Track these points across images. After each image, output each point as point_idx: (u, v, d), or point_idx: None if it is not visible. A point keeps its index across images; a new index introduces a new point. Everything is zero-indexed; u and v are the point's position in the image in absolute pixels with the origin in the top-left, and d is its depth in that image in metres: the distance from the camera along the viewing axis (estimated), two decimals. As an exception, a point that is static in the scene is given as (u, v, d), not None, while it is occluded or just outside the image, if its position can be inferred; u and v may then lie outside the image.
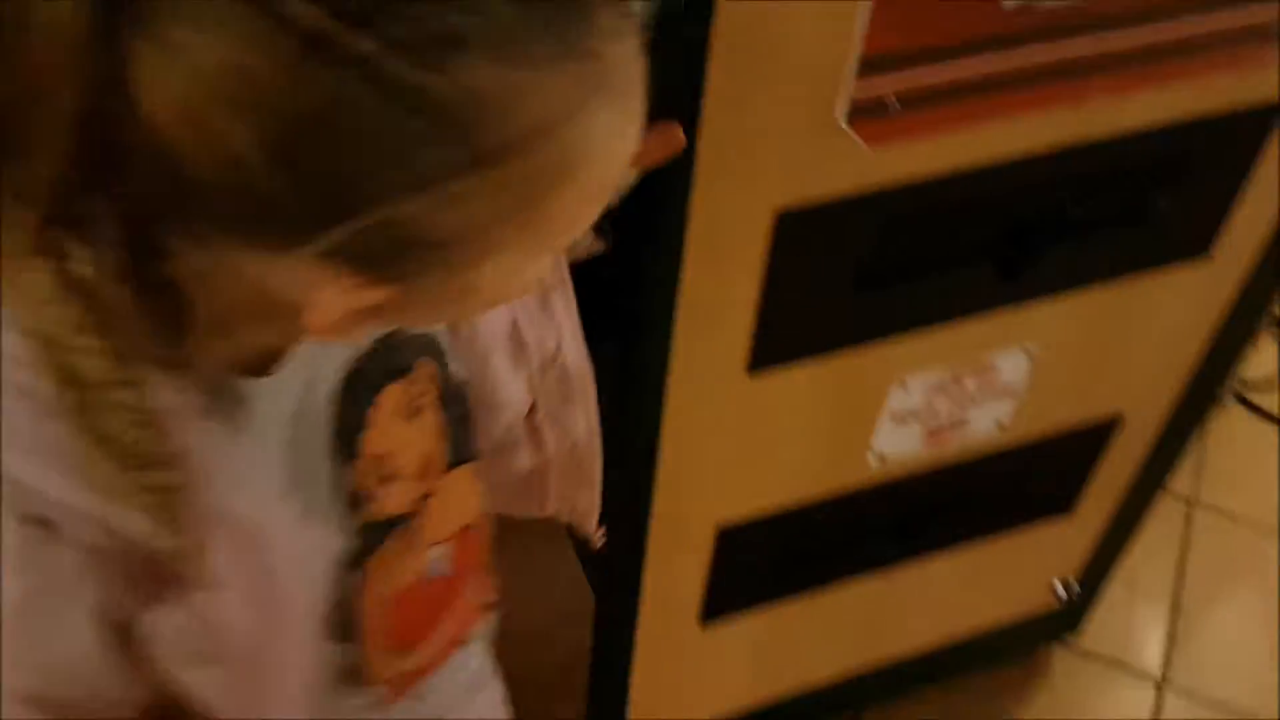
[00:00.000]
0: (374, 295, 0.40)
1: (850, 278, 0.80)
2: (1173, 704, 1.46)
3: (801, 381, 0.87)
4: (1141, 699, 1.46)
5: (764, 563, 1.05)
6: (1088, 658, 1.49)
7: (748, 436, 0.89)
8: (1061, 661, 1.48)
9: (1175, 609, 1.57)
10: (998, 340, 0.93)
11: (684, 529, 0.96)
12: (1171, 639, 1.53)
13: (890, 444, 0.98)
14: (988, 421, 1.01)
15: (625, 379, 0.81)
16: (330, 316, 0.41)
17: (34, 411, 0.40)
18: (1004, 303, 0.90)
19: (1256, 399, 1.86)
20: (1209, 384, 1.10)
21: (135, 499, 0.42)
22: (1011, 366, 0.96)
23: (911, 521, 1.10)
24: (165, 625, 0.48)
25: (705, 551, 0.99)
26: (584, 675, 1.16)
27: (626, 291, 0.77)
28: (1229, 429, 1.84)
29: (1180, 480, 1.74)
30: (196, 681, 0.52)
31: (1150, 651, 1.51)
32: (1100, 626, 1.48)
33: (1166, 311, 0.99)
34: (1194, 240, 0.93)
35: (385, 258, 0.38)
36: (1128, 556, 1.57)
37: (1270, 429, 1.83)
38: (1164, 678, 1.49)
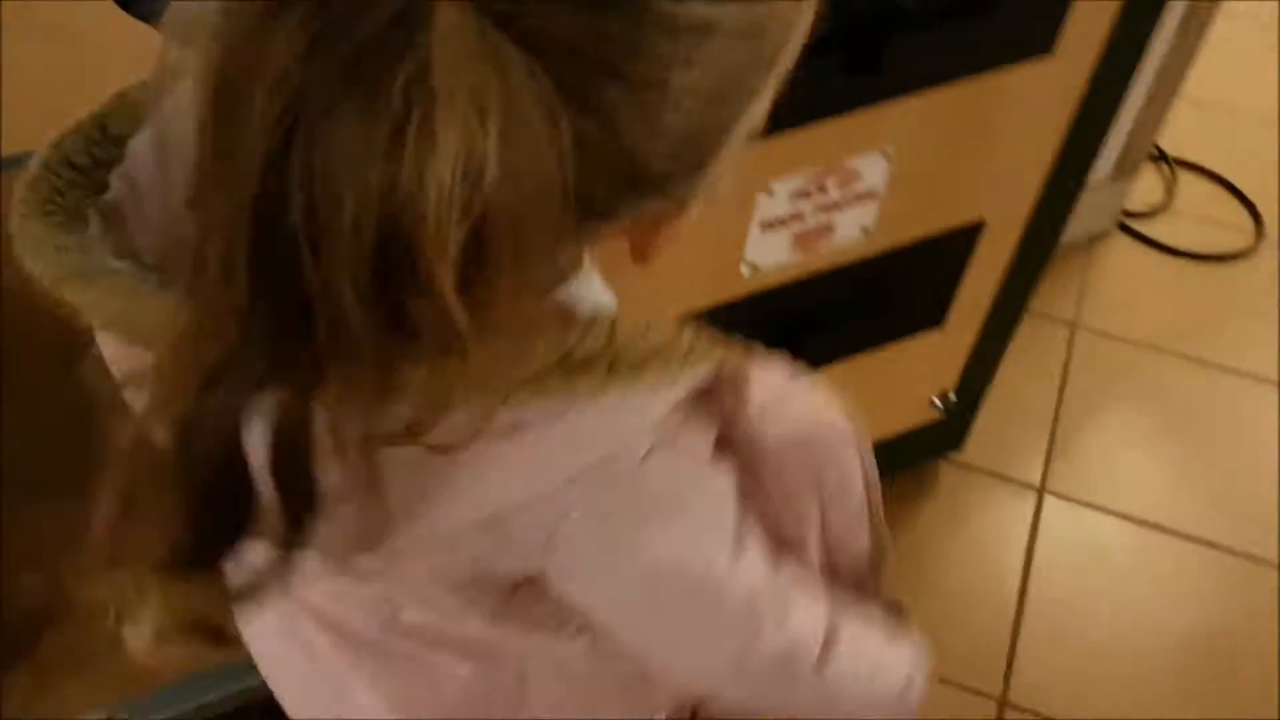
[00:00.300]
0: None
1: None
2: (1052, 508, 1.56)
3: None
4: (1023, 507, 1.56)
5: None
6: (970, 471, 1.58)
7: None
8: (946, 476, 1.57)
9: (1055, 424, 1.66)
10: (856, 143, 0.96)
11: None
12: (1050, 451, 1.63)
13: (761, 253, 1.02)
14: (854, 228, 1.05)
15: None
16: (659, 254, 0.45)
17: None
18: (858, 103, 0.93)
19: (1140, 227, 1.94)
20: (1066, 186, 1.15)
21: None
22: (871, 169, 1.00)
23: (787, 334, 1.15)
24: None
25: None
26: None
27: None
28: (1113, 258, 1.93)
29: (1064, 306, 1.83)
30: None
31: (1031, 464, 1.61)
32: (983, 443, 1.57)
33: (1016, 111, 1.03)
34: (1036, 38, 0.97)
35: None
36: (1010, 377, 1.66)
37: (1153, 256, 1.92)
38: (1043, 486, 1.59)
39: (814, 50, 0.86)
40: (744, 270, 1.02)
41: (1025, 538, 1.53)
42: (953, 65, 0.94)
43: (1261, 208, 2.00)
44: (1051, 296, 1.83)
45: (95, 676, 1.14)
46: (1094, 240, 1.94)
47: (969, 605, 1.46)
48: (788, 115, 0.90)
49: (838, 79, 0.89)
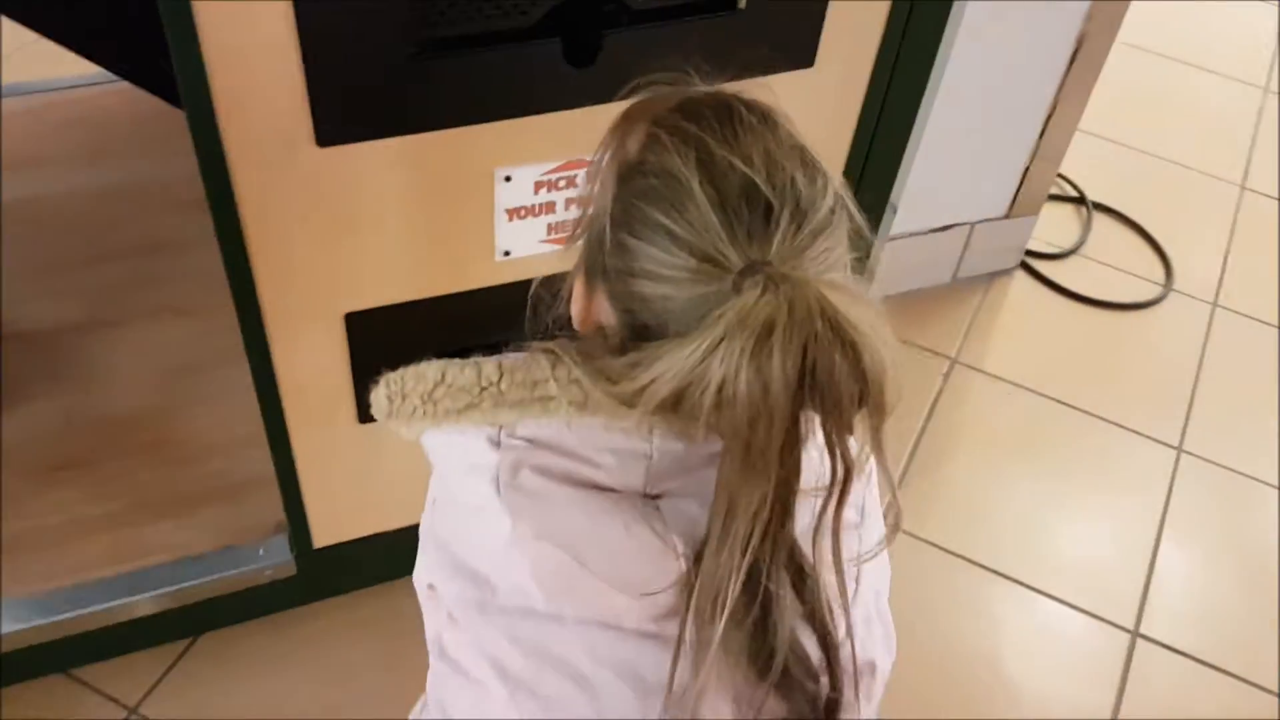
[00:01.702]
0: None
1: (405, 44, 0.83)
2: (904, 546, 1.52)
3: (387, 160, 0.90)
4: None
5: (413, 359, 1.09)
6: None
7: (340, 214, 0.92)
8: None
9: (911, 461, 1.63)
10: (598, 137, 0.96)
11: (305, 315, 0.99)
12: (896, 487, 1.60)
13: (513, 242, 1.01)
14: (619, 227, 1.04)
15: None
16: None
17: None
18: (594, 99, 0.92)
19: (1047, 267, 1.91)
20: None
21: None
22: (624, 167, 0.99)
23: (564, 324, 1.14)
24: None
25: (338, 340, 1.03)
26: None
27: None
28: (1009, 296, 1.90)
29: (948, 341, 1.80)
30: None
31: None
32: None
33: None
34: (790, 46, 0.96)
35: None
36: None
37: (1049, 297, 1.89)
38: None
39: (532, 35, 0.87)
40: (499, 258, 1.02)
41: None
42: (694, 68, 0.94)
43: (1175, 261, 1.96)
44: (936, 331, 1.81)
45: None
46: (995, 277, 1.92)
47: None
48: (515, 103, 0.91)
49: (558, 69, 0.88)
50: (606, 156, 0.63)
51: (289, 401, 1.07)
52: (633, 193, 0.58)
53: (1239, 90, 2.40)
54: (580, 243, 0.65)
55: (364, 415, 1.11)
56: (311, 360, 1.04)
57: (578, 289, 0.66)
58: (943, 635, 1.42)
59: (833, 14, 0.94)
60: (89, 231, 1.52)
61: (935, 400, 1.71)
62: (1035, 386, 1.75)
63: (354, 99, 0.85)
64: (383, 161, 0.90)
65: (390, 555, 1.30)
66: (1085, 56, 1.62)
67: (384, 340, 1.05)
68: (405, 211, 0.95)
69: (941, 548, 1.52)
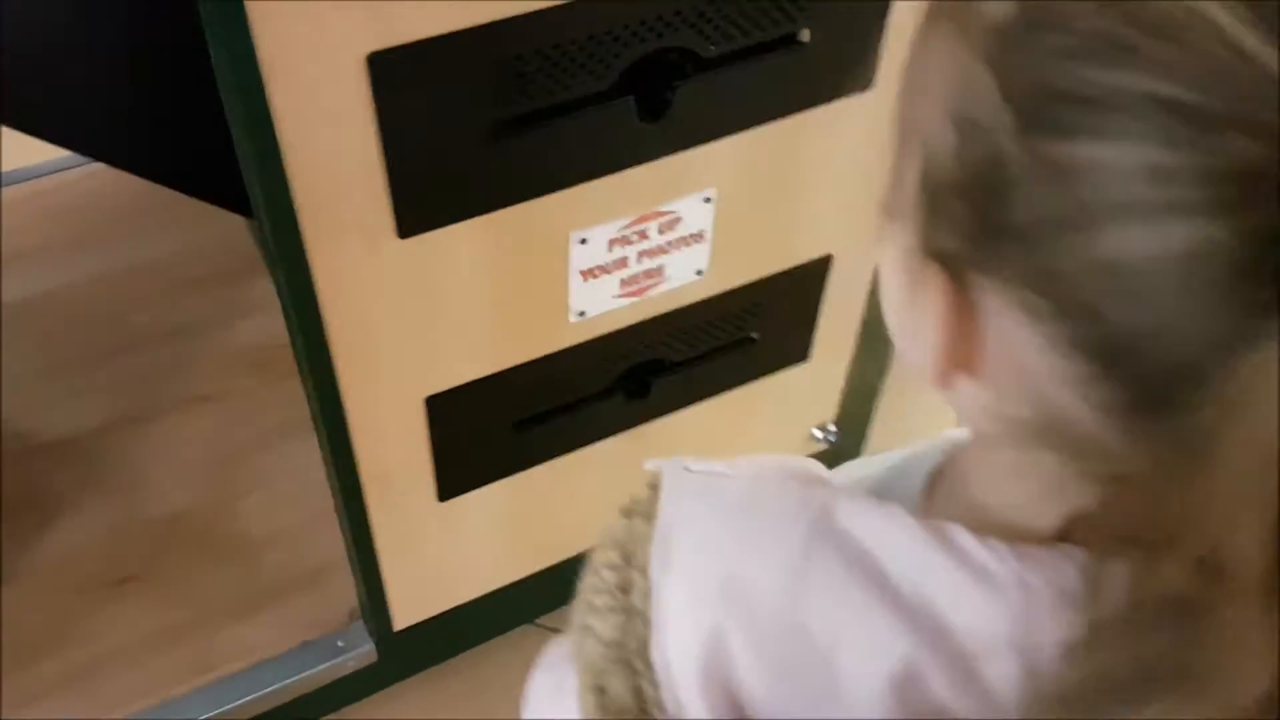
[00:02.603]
0: None
1: (484, 126, 0.80)
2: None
3: (465, 241, 0.87)
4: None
5: (492, 431, 1.06)
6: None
7: (420, 301, 0.89)
8: (843, 505, 1.54)
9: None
10: (670, 187, 0.94)
11: (386, 403, 0.96)
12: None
13: (588, 301, 0.99)
14: (686, 270, 1.03)
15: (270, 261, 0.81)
16: None
17: None
18: (666, 149, 0.91)
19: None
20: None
21: None
22: (693, 212, 0.97)
23: (641, 379, 1.12)
24: None
25: (419, 424, 1.00)
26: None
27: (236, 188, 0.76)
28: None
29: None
30: None
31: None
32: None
33: (844, 146, 1.01)
34: (852, 74, 0.95)
35: None
36: (900, 399, 1.64)
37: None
38: (941, 510, 1.56)
39: (608, 97, 0.85)
40: (573, 319, 1.00)
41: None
42: (763, 106, 0.92)
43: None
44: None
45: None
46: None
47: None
48: (584, 161, 0.89)
49: (632, 127, 0.86)
50: (938, 51, 0.35)
51: (370, 489, 1.03)
52: (1048, 56, 0.31)
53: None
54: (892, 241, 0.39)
55: (443, 493, 1.09)
56: (393, 448, 1.01)
57: (923, 315, 0.36)
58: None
59: (892, 34, 0.93)
60: (98, 324, 1.46)
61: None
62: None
63: (435, 188, 0.82)
64: (461, 242, 0.87)
65: (469, 625, 1.28)
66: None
67: (463, 417, 1.02)
68: (482, 288, 0.92)
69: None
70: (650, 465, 0.45)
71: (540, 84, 0.80)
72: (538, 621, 1.37)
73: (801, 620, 0.37)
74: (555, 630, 1.40)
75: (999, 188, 0.32)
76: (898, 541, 0.37)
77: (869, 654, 0.36)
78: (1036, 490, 0.37)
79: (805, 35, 0.89)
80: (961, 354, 0.36)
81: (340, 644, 1.20)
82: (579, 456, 1.15)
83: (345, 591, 1.21)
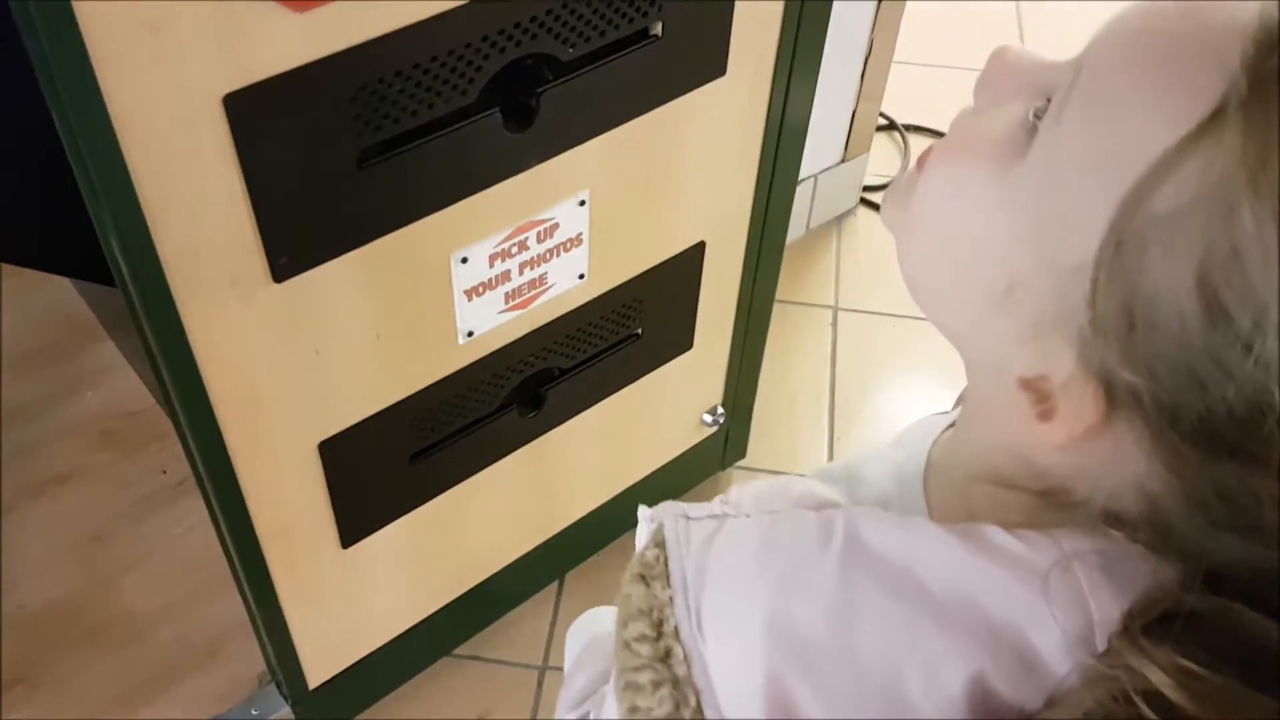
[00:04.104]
0: None
1: (351, 156, 0.77)
2: (842, 495, 1.57)
3: (343, 277, 0.83)
4: (814, 498, 1.57)
5: (390, 468, 1.02)
6: (760, 474, 1.58)
7: (302, 344, 0.85)
8: (737, 483, 1.56)
9: (833, 409, 1.68)
10: (545, 194, 0.93)
11: (277, 455, 0.92)
12: (833, 437, 1.65)
13: (475, 320, 0.97)
14: (569, 275, 1.01)
15: (136, 321, 0.75)
16: None
17: None
18: (537, 157, 0.89)
19: (879, 198, 2.00)
20: (779, 191, 1.15)
21: None
22: (570, 216, 0.96)
23: (533, 391, 1.11)
24: None
25: (314, 472, 0.95)
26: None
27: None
28: (860, 234, 1.97)
29: (822, 291, 1.86)
30: None
31: (817, 453, 1.62)
32: (767, 444, 1.57)
33: (705, 133, 1.01)
34: (706, 61, 0.95)
35: None
36: (781, 372, 1.68)
37: (894, 226, 1.98)
38: (830, 474, 1.60)
39: (473, 111, 0.82)
40: (462, 340, 0.97)
41: (821, 530, 1.54)
42: (625, 103, 0.92)
43: (989, 161, 2.09)
44: (810, 284, 1.86)
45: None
46: (841, 219, 1.98)
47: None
48: (464, 182, 0.86)
49: (500, 139, 0.84)
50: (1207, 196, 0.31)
51: (268, 546, 0.98)
52: None
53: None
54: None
55: (346, 540, 1.04)
56: (289, 501, 0.96)
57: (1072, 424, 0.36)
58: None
59: (738, 21, 0.94)
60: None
61: (833, 350, 1.77)
62: (910, 310, 1.83)
63: (306, 227, 0.78)
64: (339, 279, 0.83)
65: (387, 668, 1.24)
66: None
67: (359, 457, 0.98)
68: (367, 322, 0.89)
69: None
70: (644, 518, 0.42)
71: (404, 106, 0.77)
72: (456, 653, 1.34)
73: (855, 650, 0.36)
74: (474, 659, 1.37)
75: (1230, 415, 0.32)
76: (931, 552, 0.37)
77: (933, 676, 0.35)
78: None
79: (658, 29, 0.89)
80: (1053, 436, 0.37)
81: (254, 712, 1.14)
82: (480, 479, 1.13)
83: (248, 658, 1.15)
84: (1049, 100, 0.37)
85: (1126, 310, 0.33)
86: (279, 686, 1.15)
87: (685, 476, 1.47)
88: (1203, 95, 0.32)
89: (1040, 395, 0.36)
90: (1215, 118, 0.31)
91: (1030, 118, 0.37)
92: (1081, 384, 0.35)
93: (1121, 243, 0.33)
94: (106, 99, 0.62)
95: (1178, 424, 0.33)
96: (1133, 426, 0.34)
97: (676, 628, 0.38)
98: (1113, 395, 0.34)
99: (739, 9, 0.93)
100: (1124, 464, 0.35)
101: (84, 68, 0.60)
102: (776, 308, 1.33)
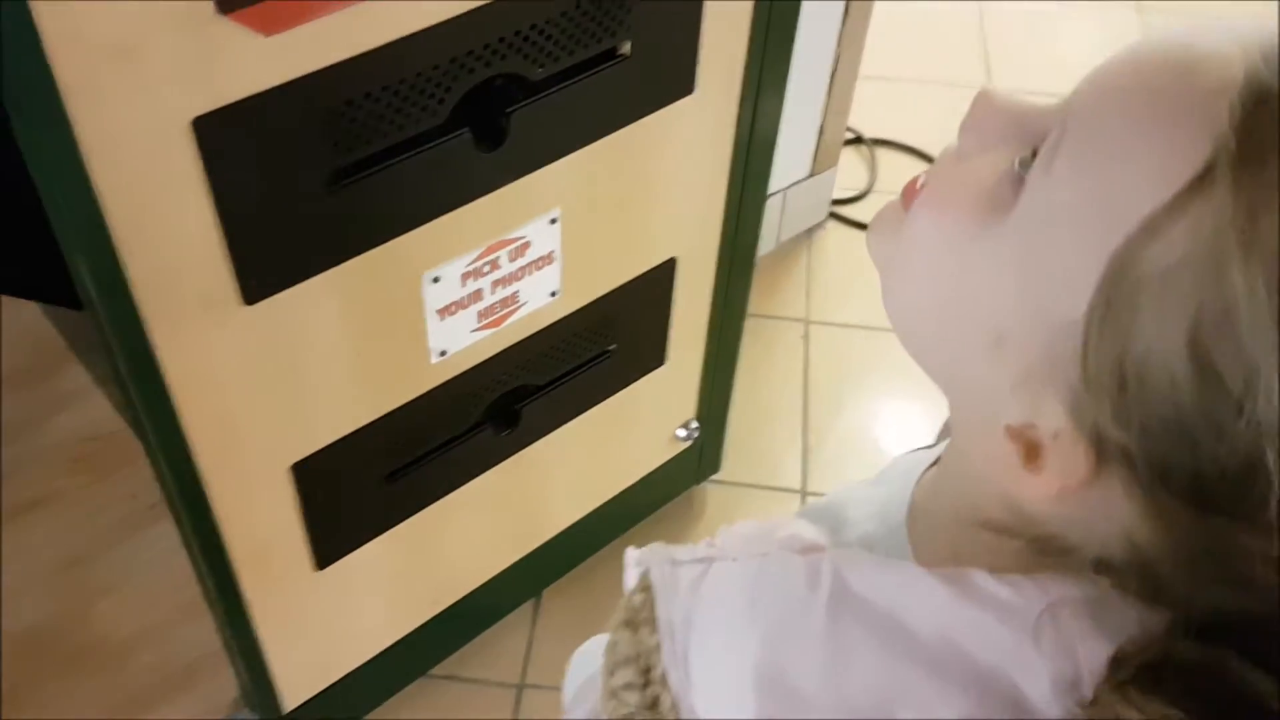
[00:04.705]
0: None
1: (321, 177, 0.77)
2: (817, 507, 1.59)
3: (315, 298, 0.84)
4: (787, 510, 1.58)
5: (364, 488, 1.02)
6: (734, 488, 1.59)
7: (273, 365, 0.85)
8: (713, 499, 1.57)
9: (806, 422, 1.70)
10: (516, 213, 0.93)
11: (250, 477, 0.91)
12: (806, 450, 1.66)
13: (447, 339, 0.97)
14: (541, 293, 1.02)
15: (103, 342, 0.75)
16: None
17: None
18: (508, 176, 0.90)
19: (848, 212, 2.01)
20: (748, 206, 1.16)
21: None
22: (541, 235, 0.97)
23: (507, 409, 1.11)
24: None
25: (287, 494, 0.95)
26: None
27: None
28: (830, 247, 1.99)
29: (794, 304, 1.87)
30: None
31: (791, 467, 1.63)
32: (741, 457, 1.58)
33: (675, 151, 1.02)
34: (674, 79, 0.96)
35: None
36: (755, 386, 1.69)
37: (862, 236, 1.99)
38: (804, 487, 1.61)
39: (444, 132, 0.83)
40: (435, 359, 0.97)
41: (797, 541, 1.55)
42: (595, 122, 0.93)
43: (956, 174, 2.11)
44: (781, 298, 1.88)
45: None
46: (812, 232, 2.00)
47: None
48: (435, 201, 0.87)
49: (471, 158, 0.85)
50: (1200, 258, 0.32)
51: (242, 570, 0.98)
52: None
53: (961, 5, 2.60)
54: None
55: (321, 561, 1.04)
56: (262, 523, 0.96)
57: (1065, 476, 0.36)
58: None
59: (705, 39, 0.95)
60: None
61: (805, 363, 1.78)
62: (881, 323, 1.84)
63: (277, 248, 0.78)
64: (311, 300, 0.84)
65: (363, 689, 1.23)
66: (855, 8, 1.71)
67: (333, 478, 0.98)
68: (339, 343, 0.89)
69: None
70: (631, 562, 0.42)
71: (374, 127, 0.77)
72: (433, 672, 1.33)
73: (846, 699, 0.36)
74: (451, 678, 1.37)
75: (1244, 469, 0.31)
76: (918, 598, 0.37)
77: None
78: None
79: (626, 48, 0.90)
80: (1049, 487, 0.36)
81: (230, 737, 1.13)
82: (456, 498, 1.13)
83: (225, 681, 1.14)
84: (1035, 150, 0.37)
85: (1118, 368, 0.33)
86: (253, 711, 1.15)
87: (660, 491, 1.47)
88: (1192, 154, 0.32)
89: (1029, 446, 0.36)
90: (1204, 177, 0.31)
91: (1016, 168, 0.37)
92: (1072, 439, 0.35)
93: (1112, 301, 0.33)
94: (73, 123, 0.62)
95: (1169, 482, 0.33)
96: (1123, 480, 0.34)
97: (664, 674, 0.38)
98: (1103, 451, 0.34)
99: (706, 27, 0.94)
100: (1114, 515, 0.35)
101: (50, 93, 0.61)
102: (749, 321, 1.35)
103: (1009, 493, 0.38)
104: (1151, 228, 0.32)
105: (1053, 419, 0.35)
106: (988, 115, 0.40)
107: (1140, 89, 0.34)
